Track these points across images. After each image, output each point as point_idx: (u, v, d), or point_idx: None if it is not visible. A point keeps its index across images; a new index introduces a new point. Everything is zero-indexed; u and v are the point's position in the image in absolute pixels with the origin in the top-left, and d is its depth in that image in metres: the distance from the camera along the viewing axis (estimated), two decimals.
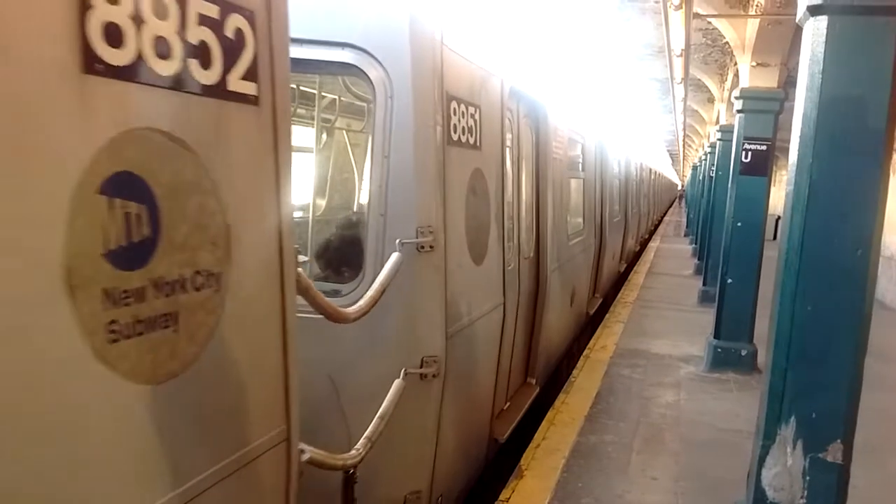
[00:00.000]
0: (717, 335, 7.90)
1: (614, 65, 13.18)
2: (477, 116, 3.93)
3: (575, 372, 7.50)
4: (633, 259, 18.12)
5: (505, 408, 5.01)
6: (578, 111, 8.06)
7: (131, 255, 1.48)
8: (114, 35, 1.42)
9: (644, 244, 22.83)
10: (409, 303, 3.33)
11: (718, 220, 10.81)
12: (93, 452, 1.41)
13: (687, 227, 28.93)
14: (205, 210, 1.67)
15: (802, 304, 3.40)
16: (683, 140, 29.83)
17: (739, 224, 7.69)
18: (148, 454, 1.56)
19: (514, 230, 4.95)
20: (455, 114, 3.59)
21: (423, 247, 3.31)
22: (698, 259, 16.13)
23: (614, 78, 14.39)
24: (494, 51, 4.35)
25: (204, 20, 1.64)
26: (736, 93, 7.78)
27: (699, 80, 13.72)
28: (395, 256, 3.14)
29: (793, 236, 3.45)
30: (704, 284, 12.14)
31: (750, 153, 7.58)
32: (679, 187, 78.51)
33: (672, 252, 20.81)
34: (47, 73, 1.28)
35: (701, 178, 21.64)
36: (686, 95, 13.88)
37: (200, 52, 1.64)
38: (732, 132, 7.97)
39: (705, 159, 19.43)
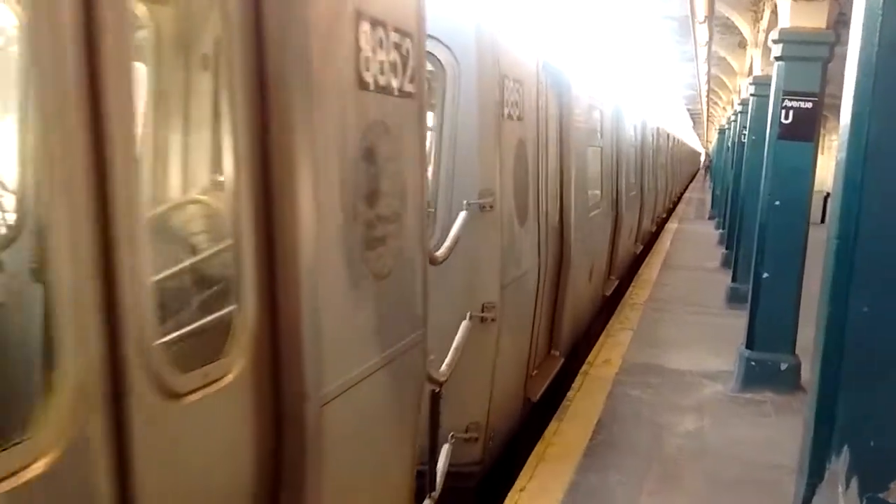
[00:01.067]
0: (750, 345, 8.03)
1: (624, 3, 13.32)
2: (521, 91, 5.56)
3: (570, 393, 7.54)
4: (649, 241, 18.96)
5: (533, 374, 6.56)
6: (596, 75, 9.74)
7: (371, 198, 2.93)
8: (366, 64, 2.88)
9: (661, 225, 23.57)
10: (472, 256, 4.91)
11: (751, 197, 11.08)
12: (356, 315, 2.95)
13: (712, 206, 29.52)
14: (397, 173, 3.16)
15: (857, 305, 3.43)
16: (707, 97, 30.19)
17: (778, 203, 7.82)
18: (375, 325, 3.05)
19: (543, 199, 6.43)
20: (506, 90, 5.20)
21: (484, 207, 4.91)
22: (726, 248, 16.46)
23: (624, 20, 14.56)
24: (530, 27, 5.98)
25: (395, 46, 3.10)
26: (774, 35, 7.88)
27: (727, 18, 13.85)
28: (463, 214, 4.62)
29: (845, 218, 3.47)
30: (734, 280, 12.36)
31: (791, 112, 7.70)
32: (702, 157, 79.95)
33: (693, 238, 21.17)
34: (350, 91, 2.80)
35: (730, 144, 22.03)
36: (711, 38, 14.01)
37: (395, 68, 3.12)
38: (769, 86, 8.08)
39: (735, 121, 19.68)
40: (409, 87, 3.23)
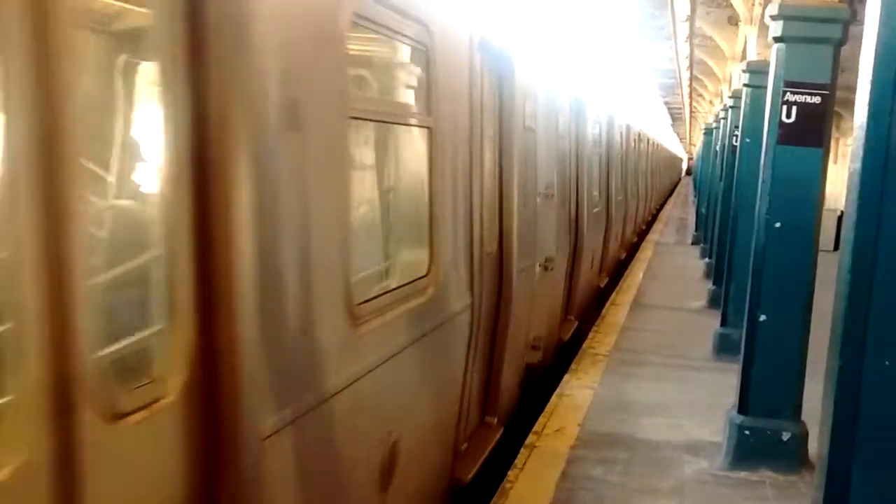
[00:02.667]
0: (743, 409, 8.16)
1: None
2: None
3: (511, 473, 7.55)
4: (616, 272, 19.47)
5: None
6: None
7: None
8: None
9: (630, 251, 24.17)
10: (541, 225, 9.39)
11: (746, 217, 11.26)
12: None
13: (697, 227, 30.20)
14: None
15: (877, 359, 3.50)
16: (690, 87, 30.86)
17: (778, 225, 7.95)
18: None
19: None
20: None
21: (547, 196, 9.58)
22: (714, 282, 16.76)
23: None
24: None
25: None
26: (772, 9, 8.03)
27: None
28: (539, 199, 9.08)
29: (861, 245, 3.55)
30: (724, 324, 12.58)
31: (795, 109, 7.86)
32: (684, 163, 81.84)
33: (673, 269, 21.57)
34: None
35: (718, 148, 22.56)
36: (694, 11, 14.29)
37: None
38: (767, 74, 8.22)
39: (724, 118, 20.16)
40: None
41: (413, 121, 5.94)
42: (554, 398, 9.87)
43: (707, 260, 20.77)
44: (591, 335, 13.31)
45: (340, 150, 4.37)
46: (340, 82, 4.35)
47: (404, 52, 5.90)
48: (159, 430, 3.00)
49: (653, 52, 23.29)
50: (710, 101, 31.66)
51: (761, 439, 8.00)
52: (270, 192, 3.61)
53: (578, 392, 10.15)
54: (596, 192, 14.93)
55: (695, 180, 52.56)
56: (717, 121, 24.80)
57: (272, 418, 3.54)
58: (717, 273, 16.23)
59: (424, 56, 5.73)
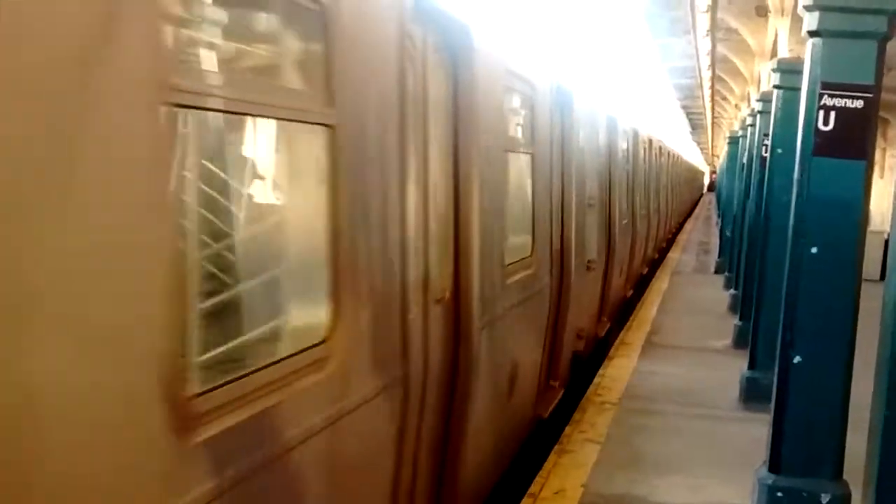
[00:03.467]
0: (774, 466, 8.06)
1: None
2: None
3: None
4: (620, 311, 19.51)
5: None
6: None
7: None
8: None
9: (641, 280, 24.24)
10: (587, 231, 13.89)
11: (777, 241, 11.15)
12: None
13: (721, 253, 30.24)
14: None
15: None
16: (712, 88, 30.89)
17: (815, 251, 7.88)
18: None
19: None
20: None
21: (590, 205, 14.27)
22: (740, 317, 16.72)
23: None
24: None
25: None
26: None
27: None
28: (588, 209, 13.90)
29: None
30: (752, 367, 12.57)
31: (834, 115, 7.78)
32: (706, 177, 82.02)
33: (693, 302, 21.61)
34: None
35: (745, 160, 22.51)
36: (716, 1, 14.25)
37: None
38: (801, 74, 8.16)
39: (752, 124, 20.17)
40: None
41: (523, 150, 9.67)
42: (553, 455, 9.79)
43: (732, 291, 20.76)
44: (596, 380, 13.27)
45: (504, 171, 8.36)
46: (502, 130, 8.33)
47: (522, 103, 9.69)
48: (445, 311, 6.90)
49: (668, 49, 23.35)
50: (736, 105, 31.75)
51: (796, 502, 7.90)
52: (487, 199, 7.50)
53: (582, 447, 10.08)
54: (625, 205, 18.59)
55: (718, 197, 52.46)
56: (744, 128, 24.79)
57: (482, 319, 7.37)
58: (745, 307, 16.13)
59: (531, 104, 9.76)
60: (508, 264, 8.58)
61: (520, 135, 9.81)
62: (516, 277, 8.92)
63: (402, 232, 5.78)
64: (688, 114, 47.65)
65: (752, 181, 17.72)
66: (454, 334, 7.07)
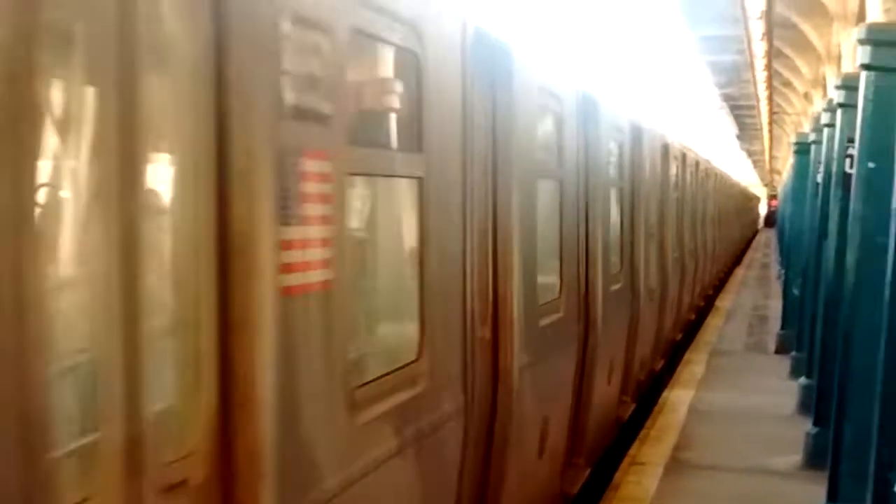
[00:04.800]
0: None
1: None
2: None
3: None
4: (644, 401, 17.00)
5: None
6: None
7: None
8: None
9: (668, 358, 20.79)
10: (648, 260, 17.25)
11: (870, 305, 9.30)
12: None
13: (785, 323, 23.75)
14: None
15: None
16: (768, 69, 24.26)
17: None
18: None
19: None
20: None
21: (649, 235, 17.59)
22: (816, 421, 13.32)
23: None
24: None
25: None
26: None
27: None
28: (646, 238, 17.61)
29: None
30: (834, 499, 10.09)
31: None
32: (762, 204, 71.23)
33: (741, 397, 17.61)
34: None
35: (822, 179, 17.25)
36: None
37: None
38: None
39: (830, 124, 15.66)
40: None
41: (551, 175, 10.35)
42: None
43: (804, 381, 16.61)
44: None
45: (535, 200, 8.98)
46: (534, 154, 9.08)
47: (553, 122, 10.32)
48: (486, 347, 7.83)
49: (698, 7, 19.21)
50: (806, 95, 25.62)
51: None
52: (524, 229, 8.36)
53: None
54: (674, 237, 19.65)
55: (780, 235, 44.53)
56: (818, 129, 18.79)
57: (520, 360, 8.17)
58: (822, 406, 12.85)
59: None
60: (541, 304, 9.38)
61: (549, 158, 10.47)
62: (547, 321, 9.62)
63: (462, 265, 7.08)
64: (732, 108, 39.19)
65: (832, 211, 13.59)
66: (493, 372, 7.98)
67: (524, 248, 8.61)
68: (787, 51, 20.51)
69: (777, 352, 22.58)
